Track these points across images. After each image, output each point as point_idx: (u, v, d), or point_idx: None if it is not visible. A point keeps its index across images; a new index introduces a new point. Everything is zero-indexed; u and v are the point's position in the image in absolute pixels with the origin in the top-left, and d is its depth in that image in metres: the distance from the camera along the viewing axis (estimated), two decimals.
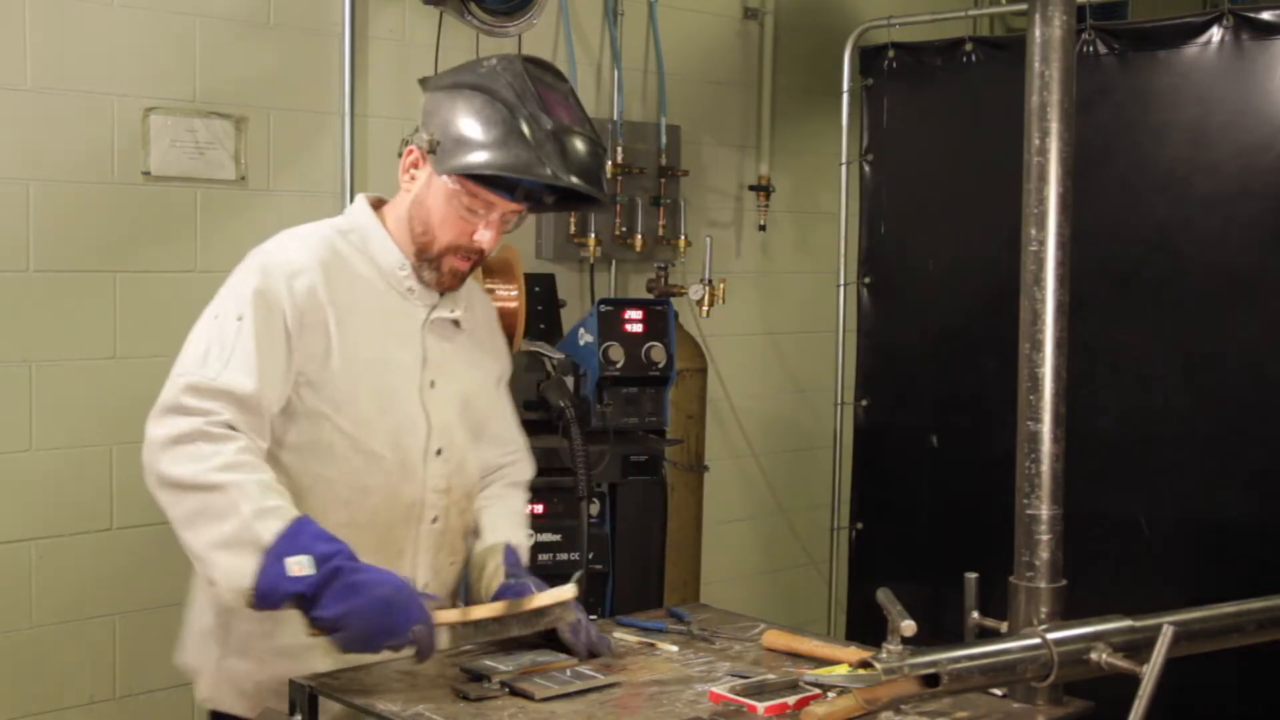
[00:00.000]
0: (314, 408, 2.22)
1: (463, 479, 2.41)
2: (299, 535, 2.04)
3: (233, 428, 2.10)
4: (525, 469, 2.61)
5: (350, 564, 2.06)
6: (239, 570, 2.02)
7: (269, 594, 2.02)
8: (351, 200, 3.70)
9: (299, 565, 2.02)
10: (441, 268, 2.32)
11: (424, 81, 2.38)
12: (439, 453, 2.34)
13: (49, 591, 3.32)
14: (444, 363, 2.36)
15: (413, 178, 2.32)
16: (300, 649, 2.19)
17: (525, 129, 2.20)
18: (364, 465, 2.25)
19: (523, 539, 2.50)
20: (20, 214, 3.25)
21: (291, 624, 2.14)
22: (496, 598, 2.30)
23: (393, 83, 3.87)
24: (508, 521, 2.50)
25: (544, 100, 2.24)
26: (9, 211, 3.24)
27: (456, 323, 2.39)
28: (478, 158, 2.21)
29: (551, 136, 2.21)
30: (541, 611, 2.22)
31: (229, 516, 2.03)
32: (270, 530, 2.03)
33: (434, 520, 2.35)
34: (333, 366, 2.22)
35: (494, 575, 2.36)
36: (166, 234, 3.48)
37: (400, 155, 2.36)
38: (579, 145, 2.24)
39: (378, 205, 2.41)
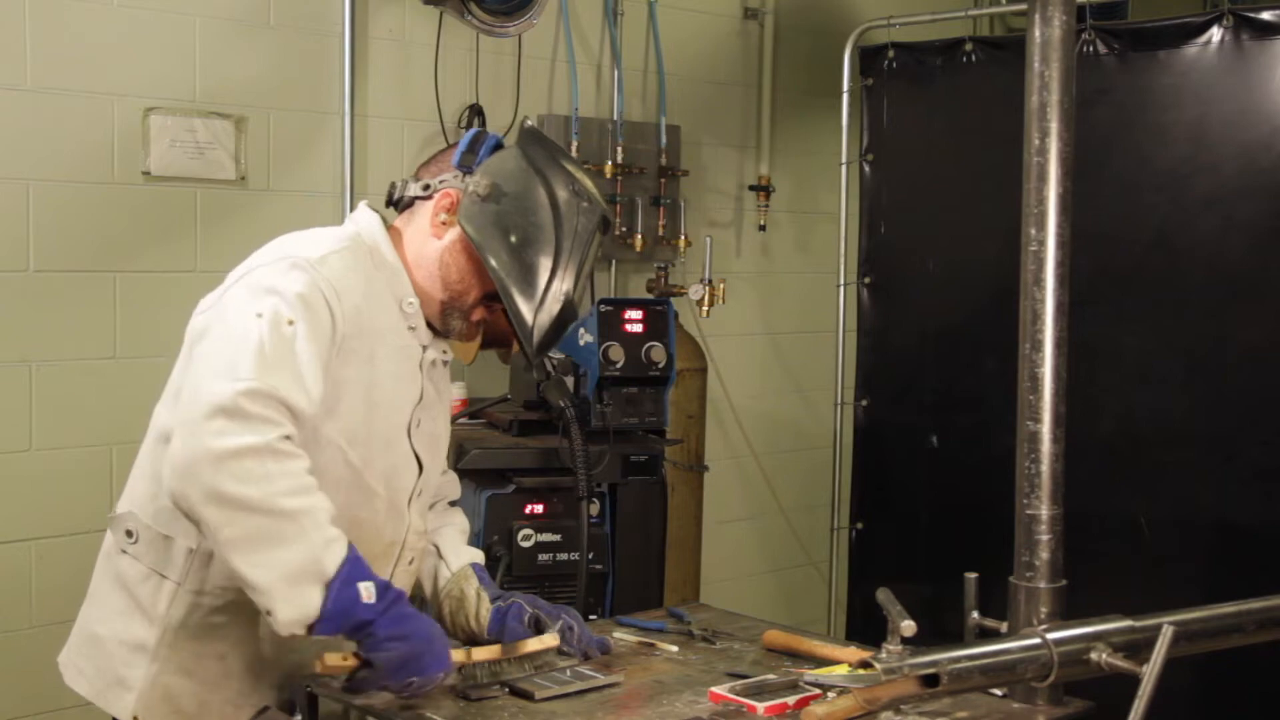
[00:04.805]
0: (329, 437, 2.11)
1: (429, 519, 2.41)
2: (358, 562, 1.97)
3: (291, 442, 1.95)
4: (457, 485, 2.57)
5: (403, 595, 2.03)
6: (307, 603, 1.91)
7: (335, 619, 1.93)
8: (352, 201, 3.75)
9: (369, 591, 1.94)
10: (471, 317, 2.26)
11: (527, 132, 2.32)
12: (420, 495, 2.31)
13: (49, 591, 3.32)
14: (430, 403, 2.30)
15: (445, 223, 2.23)
16: (248, 672, 2.17)
17: (548, 279, 2.20)
18: (360, 499, 2.17)
19: (478, 555, 2.48)
20: (20, 214, 3.25)
21: (248, 647, 2.15)
22: (494, 624, 2.31)
23: (393, 83, 3.87)
24: (461, 541, 2.48)
25: (583, 264, 2.25)
26: (9, 211, 3.24)
27: (445, 362, 2.34)
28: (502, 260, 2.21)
29: (560, 307, 2.21)
30: (533, 656, 2.20)
31: (296, 545, 1.91)
32: (334, 559, 1.93)
33: (410, 562, 2.32)
34: (356, 397, 2.14)
35: (479, 600, 2.35)
36: (166, 234, 3.48)
37: (422, 187, 2.26)
38: (562, 320, 2.24)
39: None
